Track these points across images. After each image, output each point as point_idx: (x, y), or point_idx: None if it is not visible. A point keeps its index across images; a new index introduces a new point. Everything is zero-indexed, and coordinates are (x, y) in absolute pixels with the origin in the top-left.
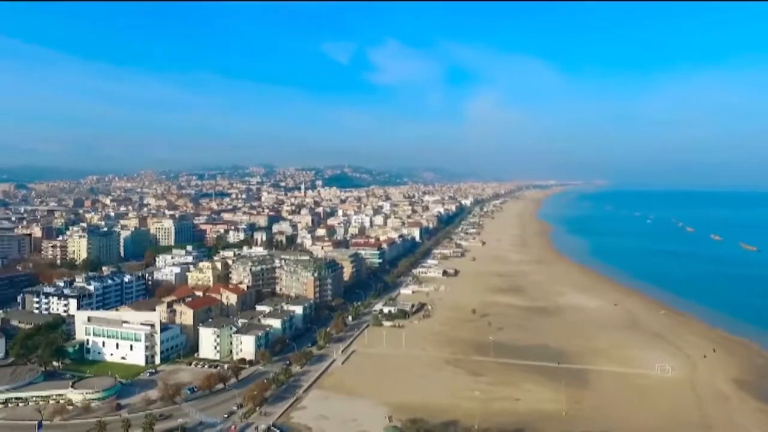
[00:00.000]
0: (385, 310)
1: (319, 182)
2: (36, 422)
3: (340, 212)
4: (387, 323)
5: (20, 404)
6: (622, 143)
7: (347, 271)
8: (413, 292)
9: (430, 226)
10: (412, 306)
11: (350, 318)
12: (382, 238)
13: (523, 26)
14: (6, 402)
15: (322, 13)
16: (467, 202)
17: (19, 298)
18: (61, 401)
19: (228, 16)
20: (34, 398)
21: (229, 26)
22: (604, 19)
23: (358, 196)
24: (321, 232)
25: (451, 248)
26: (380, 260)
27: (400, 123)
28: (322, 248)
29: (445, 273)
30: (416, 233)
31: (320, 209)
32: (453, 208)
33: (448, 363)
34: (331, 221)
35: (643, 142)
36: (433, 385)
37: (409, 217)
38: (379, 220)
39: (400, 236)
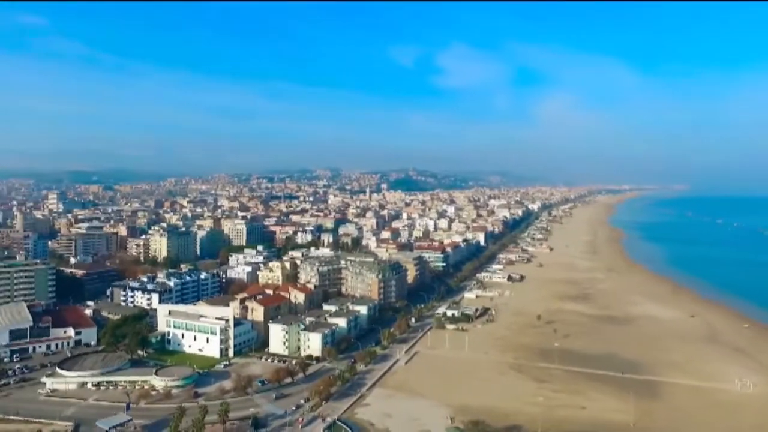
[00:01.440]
0: (449, 313)
1: (384, 185)
2: (124, 404)
3: (404, 215)
4: (450, 326)
5: (110, 387)
6: (706, 146)
7: (411, 273)
8: (477, 296)
9: (496, 230)
10: (476, 310)
11: (413, 320)
12: (446, 241)
13: (598, 25)
14: (98, 385)
15: (389, 18)
16: (534, 206)
17: (108, 292)
18: (146, 387)
19: (298, 22)
20: (122, 383)
21: (300, 34)
22: (686, 15)
23: (422, 200)
24: (386, 234)
25: (517, 253)
26: (444, 264)
27: (467, 126)
28: (387, 250)
29: (510, 278)
30: (481, 237)
31: (385, 212)
32: (519, 212)
33: (512, 368)
34: (395, 224)
35: (728, 145)
36: (496, 389)
37: (473, 221)
38: (443, 223)
39: (465, 240)
